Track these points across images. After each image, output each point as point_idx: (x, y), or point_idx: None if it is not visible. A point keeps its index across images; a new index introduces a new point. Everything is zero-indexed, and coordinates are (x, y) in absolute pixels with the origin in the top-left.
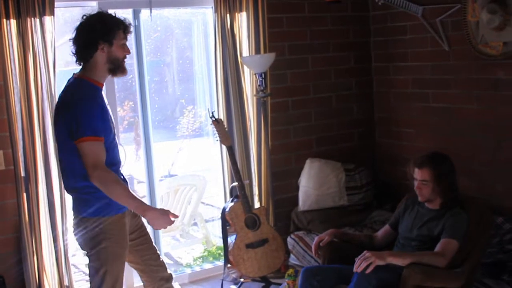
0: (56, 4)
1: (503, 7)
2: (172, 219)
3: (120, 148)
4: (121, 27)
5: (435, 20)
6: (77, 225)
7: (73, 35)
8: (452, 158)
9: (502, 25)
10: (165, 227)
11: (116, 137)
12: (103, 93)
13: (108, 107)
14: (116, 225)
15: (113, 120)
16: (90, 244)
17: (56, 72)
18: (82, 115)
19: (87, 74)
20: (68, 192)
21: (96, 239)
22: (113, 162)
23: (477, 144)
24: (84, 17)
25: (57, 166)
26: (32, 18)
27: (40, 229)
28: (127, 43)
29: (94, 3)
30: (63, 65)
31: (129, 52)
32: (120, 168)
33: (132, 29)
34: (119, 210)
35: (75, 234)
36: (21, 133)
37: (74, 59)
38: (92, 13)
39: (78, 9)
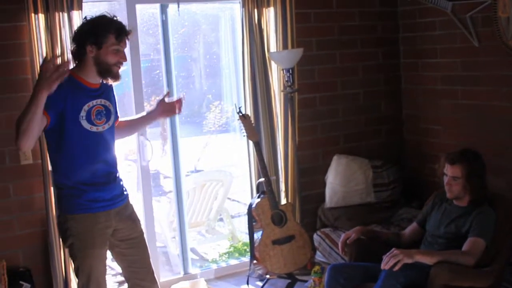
0: None
1: None
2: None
3: (147, 143)
4: (112, 31)
5: (465, 16)
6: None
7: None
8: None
9: None
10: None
11: (98, 132)
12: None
13: (97, 104)
14: (82, 223)
15: (100, 114)
16: (62, 239)
17: None
18: None
19: (76, 70)
20: None
21: (64, 235)
22: (83, 156)
23: (506, 142)
24: (85, 18)
25: None
26: (60, 13)
27: None
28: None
29: None
30: None
31: (124, 59)
32: (99, 165)
33: (130, 36)
34: (88, 210)
35: None
36: None
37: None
38: (93, 15)
39: (105, 4)
